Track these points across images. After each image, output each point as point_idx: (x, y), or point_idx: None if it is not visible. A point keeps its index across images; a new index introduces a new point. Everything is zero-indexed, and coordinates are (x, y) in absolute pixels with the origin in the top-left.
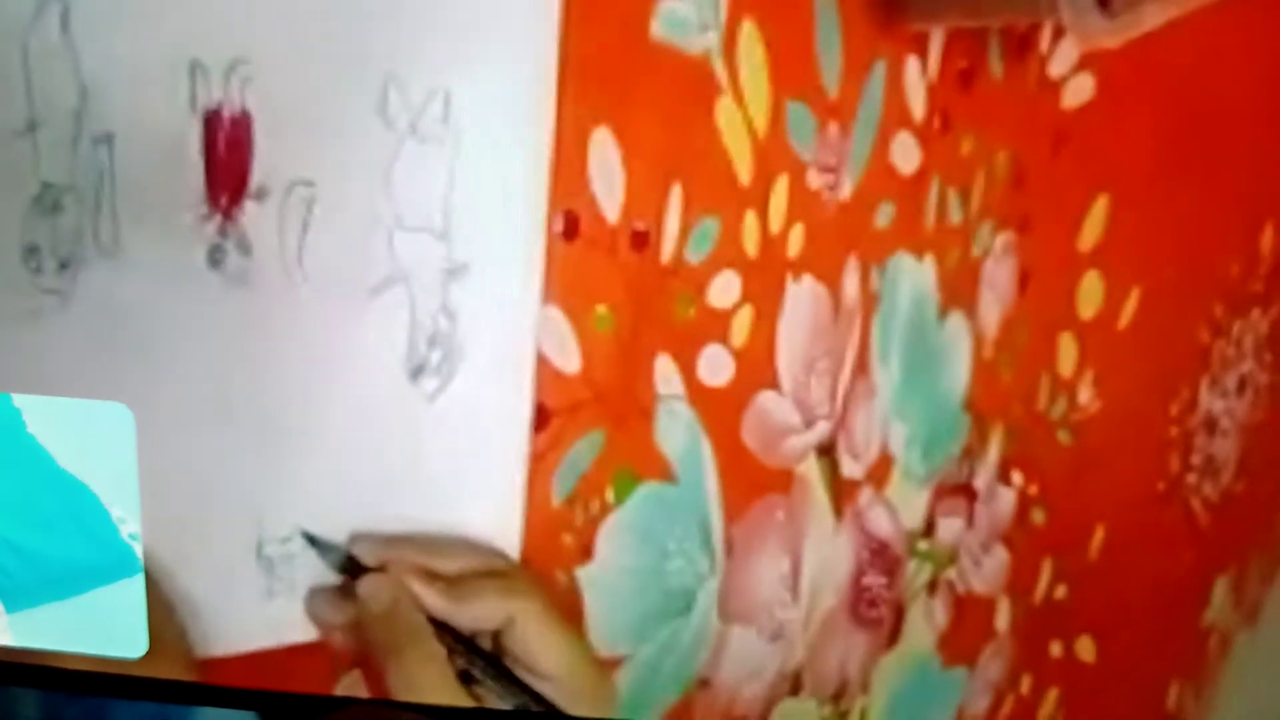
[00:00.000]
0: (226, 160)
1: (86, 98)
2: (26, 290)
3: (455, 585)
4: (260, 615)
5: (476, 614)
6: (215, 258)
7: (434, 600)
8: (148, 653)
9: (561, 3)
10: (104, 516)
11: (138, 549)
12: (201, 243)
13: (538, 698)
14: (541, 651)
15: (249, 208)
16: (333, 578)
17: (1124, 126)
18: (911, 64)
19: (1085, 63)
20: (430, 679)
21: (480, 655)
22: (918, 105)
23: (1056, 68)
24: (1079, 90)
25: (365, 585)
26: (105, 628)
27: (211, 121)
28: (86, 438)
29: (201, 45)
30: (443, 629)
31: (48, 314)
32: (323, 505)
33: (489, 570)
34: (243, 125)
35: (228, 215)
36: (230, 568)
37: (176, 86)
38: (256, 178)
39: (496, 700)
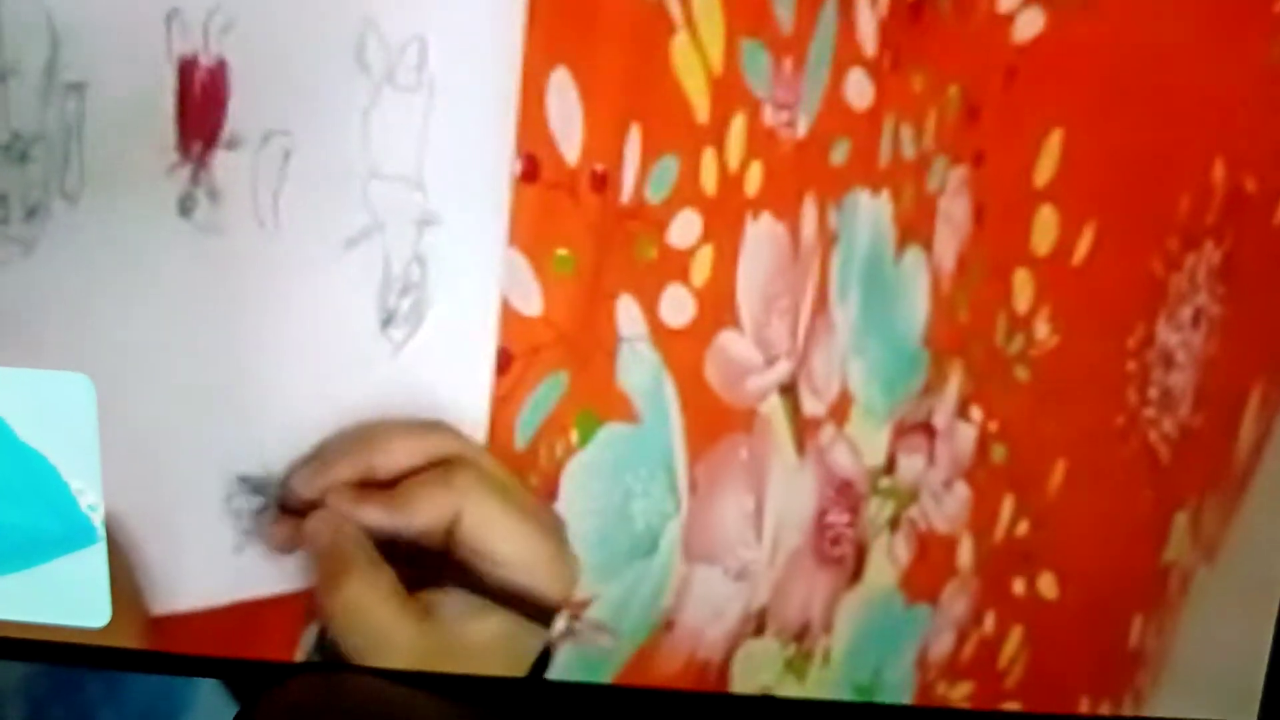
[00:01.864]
0: (201, 108)
1: (59, 46)
2: None
3: (395, 495)
4: (228, 568)
5: (422, 518)
6: (186, 206)
7: (376, 516)
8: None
9: None
10: (62, 487)
11: (97, 519)
12: (172, 191)
13: (503, 583)
14: (493, 538)
15: (222, 156)
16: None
17: (1075, 60)
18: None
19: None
20: (370, 607)
21: (434, 557)
22: (869, 41)
23: (1006, 2)
24: (1029, 24)
25: (307, 526)
26: (65, 598)
27: (186, 69)
28: (45, 408)
29: None
30: (391, 539)
31: (14, 262)
32: (291, 456)
33: (427, 466)
34: (218, 73)
35: (200, 164)
36: (199, 520)
37: (152, 34)
38: (231, 126)
39: (456, 601)
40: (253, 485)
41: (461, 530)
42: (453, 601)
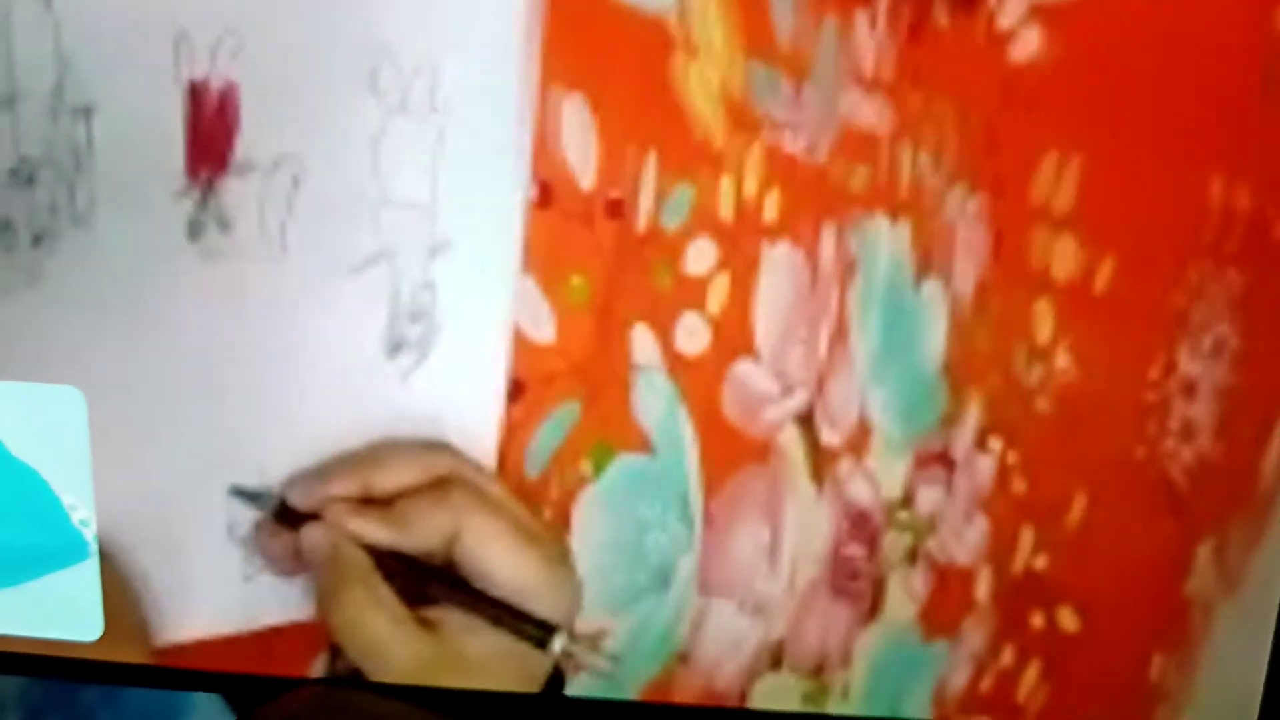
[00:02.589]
0: (209, 134)
1: (67, 69)
2: None
3: (393, 511)
4: (235, 598)
5: (419, 537)
6: (194, 232)
7: (374, 532)
8: (102, 636)
9: None
10: (55, 502)
11: (88, 535)
12: (180, 217)
13: (498, 604)
14: (491, 558)
15: (231, 183)
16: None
17: (1094, 86)
18: (861, 21)
19: (1036, 14)
20: (370, 619)
21: (431, 574)
22: (886, 64)
23: (1015, 25)
24: (1047, 50)
25: (304, 538)
26: (58, 613)
27: (196, 95)
28: (37, 423)
29: (189, 17)
30: (389, 556)
31: (20, 290)
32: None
33: (426, 484)
34: (228, 99)
35: (208, 189)
36: (205, 549)
37: (161, 59)
38: (240, 152)
39: (458, 618)
40: (248, 495)
41: (460, 549)
42: (452, 619)
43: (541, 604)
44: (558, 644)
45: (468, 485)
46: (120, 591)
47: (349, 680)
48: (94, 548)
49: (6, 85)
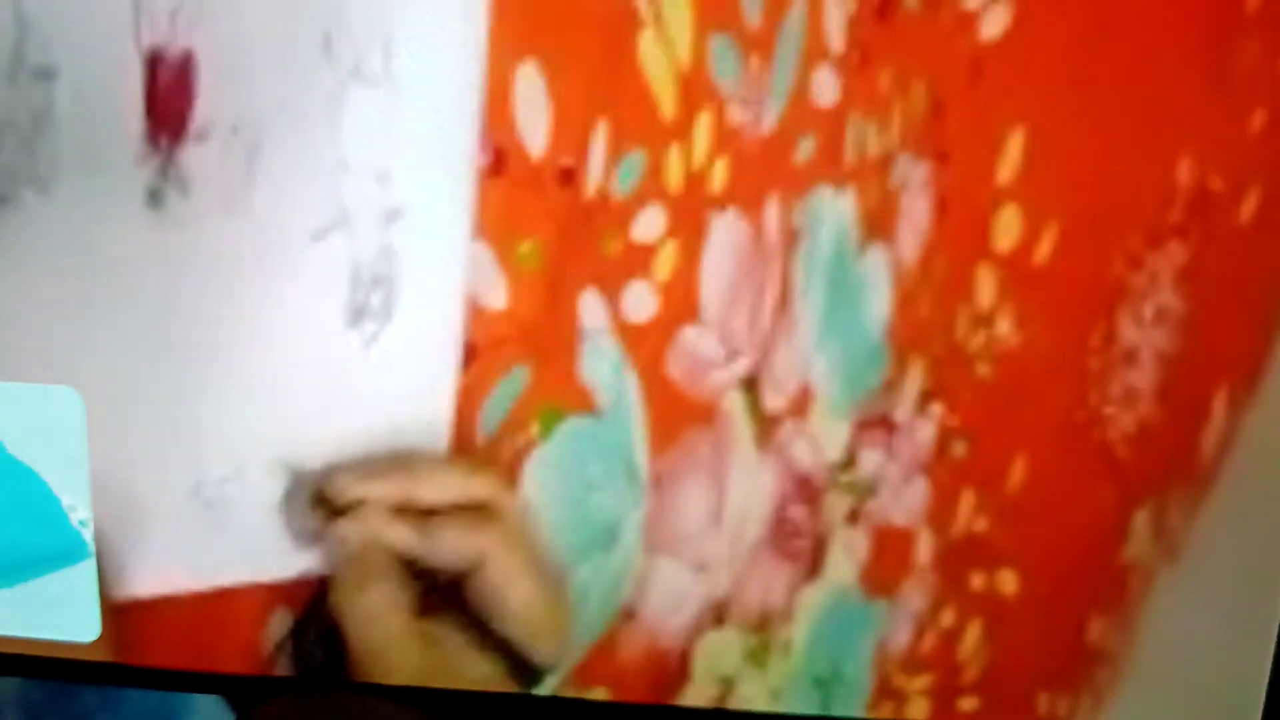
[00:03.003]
0: (169, 100)
1: (26, 32)
2: None
3: (428, 524)
4: (196, 558)
5: (448, 555)
6: (154, 198)
7: (404, 538)
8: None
9: None
10: (54, 502)
11: (87, 535)
12: (140, 183)
13: (501, 641)
14: (510, 592)
15: (190, 149)
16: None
17: (1041, 57)
18: None
19: None
20: (384, 622)
21: (446, 591)
22: (837, 38)
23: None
24: (996, 21)
25: (339, 529)
26: (56, 613)
27: (155, 60)
28: (34, 423)
29: None
30: (409, 563)
31: None
32: (260, 448)
33: (465, 502)
34: (187, 65)
35: (168, 156)
36: (167, 510)
37: (120, 23)
38: (199, 119)
39: (457, 638)
40: (293, 472)
41: (482, 576)
42: (453, 638)
43: (541, 645)
44: (547, 686)
45: (504, 518)
46: None
47: (339, 683)
48: (93, 548)
49: None
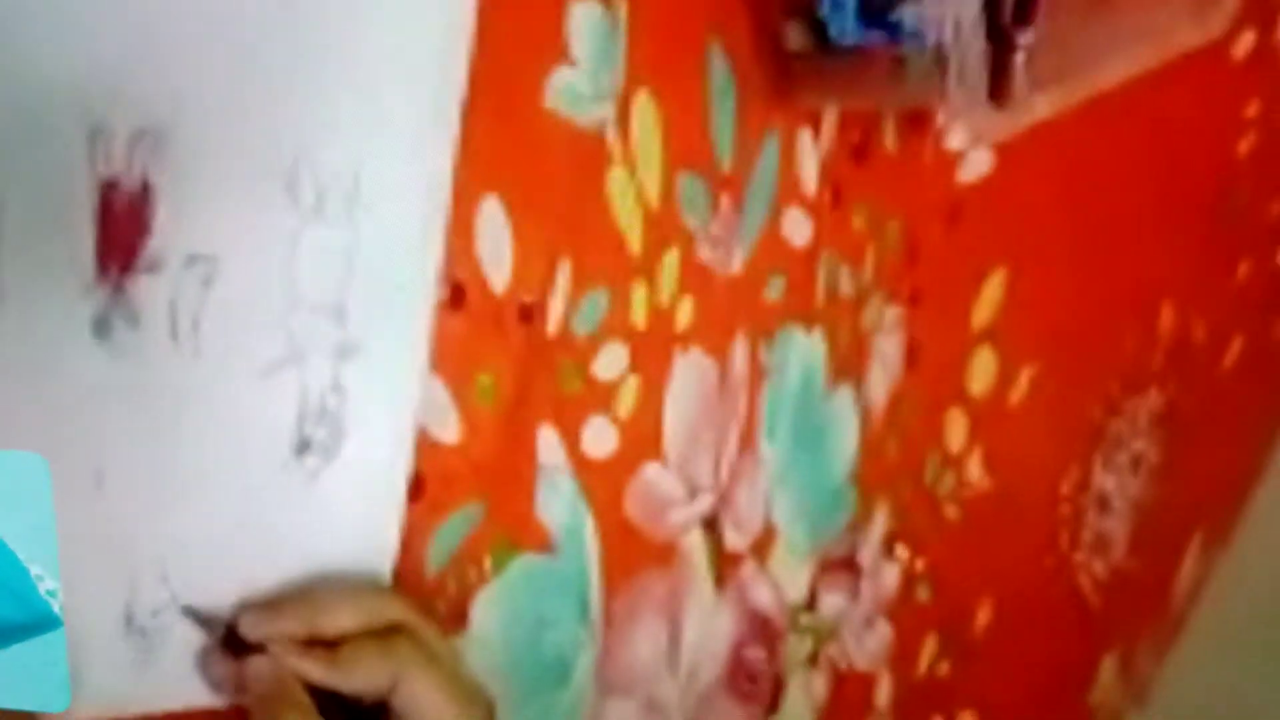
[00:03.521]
0: (121, 230)
1: None
2: None
3: (337, 654)
4: (130, 685)
5: (360, 681)
6: (101, 328)
7: (317, 673)
8: None
9: (466, 82)
10: (22, 572)
11: (55, 605)
12: (87, 312)
13: None
14: (429, 708)
15: (142, 280)
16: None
17: (1022, 201)
18: (804, 137)
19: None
20: None
21: (363, 717)
22: (810, 179)
23: (954, 141)
24: (976, 164)
25: (249, 669)
26: (25, 684)
27: (108, 190)
28: (1, 493)
29: (106, 109)
30: (329, 696)
31: None
32: (198, 578)
33: (372, 627)
34: (141, 196)
35: (118, 286)
36: (99, 636)
37: (74, 151)
38: (152, 249)
39: None
40: (198, 618)
41: (397, 698)
42: None
43: None
44: None
45: (413, 636)
46: None
47: None
48: (62, 617)
49: None
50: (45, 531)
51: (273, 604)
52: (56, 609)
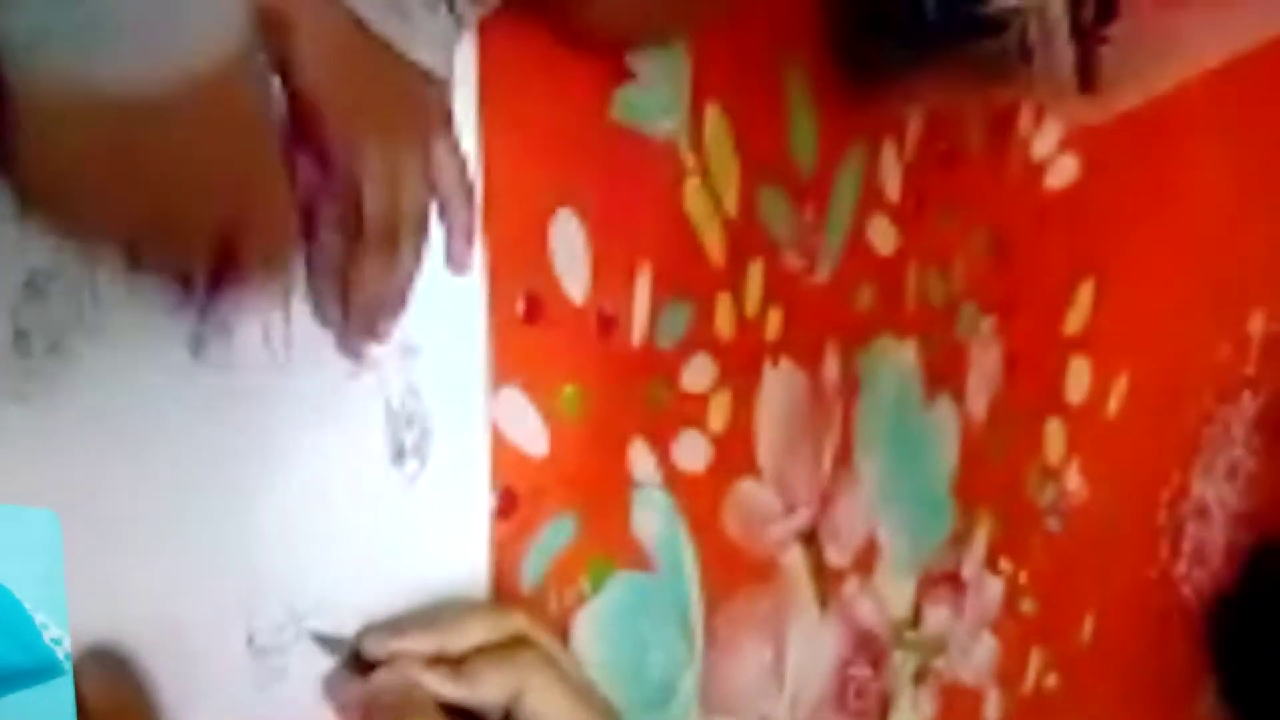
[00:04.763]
0: None
1: None
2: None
3: (461, 668)
4: (252, 706)
5: (485, 694)
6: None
7: (442, 687)
8: None
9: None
10: (27, 621)
11: (60, 653)
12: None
13: None
14: (552, 710)
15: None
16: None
17: (1108, 208)
18: (888, 145)
19: (1068, 143)
20: None
21: None
22: (894, 186)
23: (1039, 148)
24: (1062, 170)
25: (375, 680)
26: None
27: None
28: (11, 543)
29: None
30: (452, 712)
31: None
32: (315, 592)
33: (496, 643)
34: None
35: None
36: (222, 659)
37: None
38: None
39: None
40: (325, 642)
41: (521, 709)
42: None
43: None
44: None
45: (536, 647)
46: (135, 693)
47: None
48: (68, 666)
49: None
50: (54, 581)
51: (395, 624)
52: (61, 656)
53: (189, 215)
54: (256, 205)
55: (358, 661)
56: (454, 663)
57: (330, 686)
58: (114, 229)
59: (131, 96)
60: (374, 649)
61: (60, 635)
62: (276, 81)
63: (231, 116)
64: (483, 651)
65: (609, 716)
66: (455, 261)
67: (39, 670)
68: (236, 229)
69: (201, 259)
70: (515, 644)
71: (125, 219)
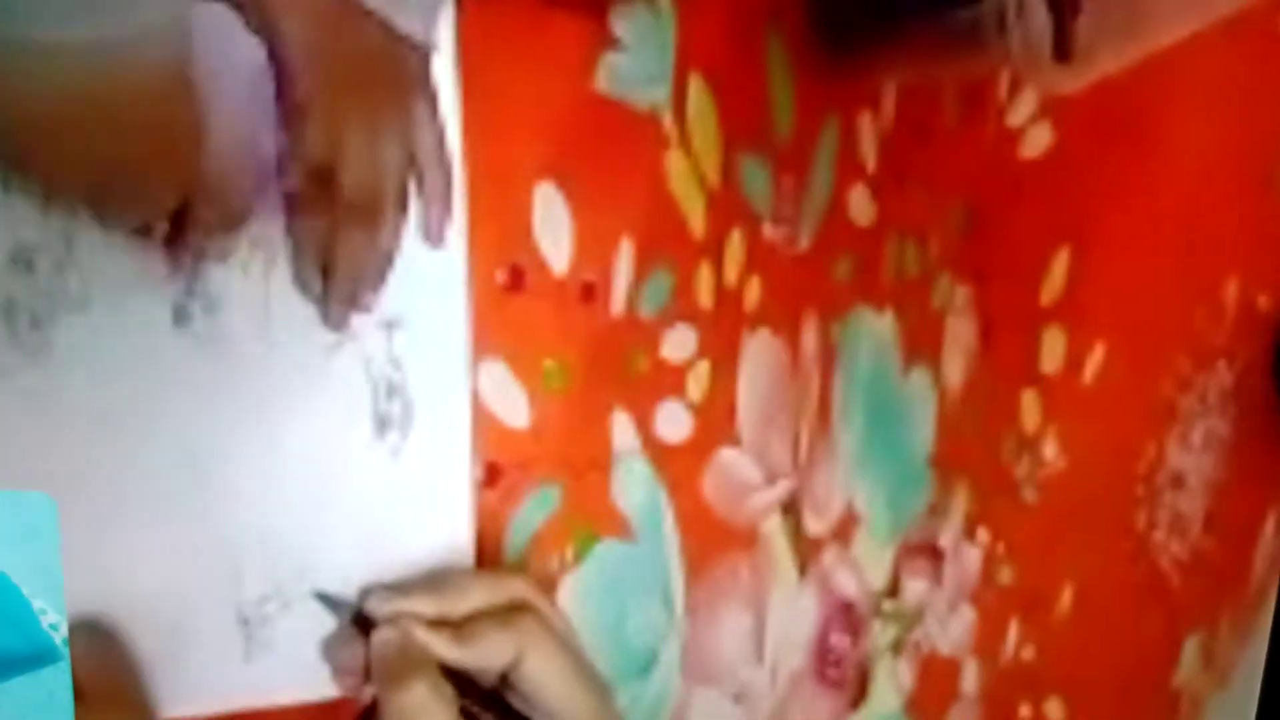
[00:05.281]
0: None
1: None
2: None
3: (462, 631)
4: (240, 676)
5: (484, 656)
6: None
7: (442, 648)
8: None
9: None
10: (25, 606)
11: (58, 639)
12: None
13: None
14: (549, 686)
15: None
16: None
17: (1083, 177)
18: (864, 115)
19: (1043, 112)
20: (433, 711)
21: (486, 696)
22: (870, 157)
23: (1014, 118)
24: (1037, 140)
25: (376, 639)
26: (29, 717)
27: None
28: (7, 528)
29: None
30: (449, 671)
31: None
32: (301, 564)
33: (498, 607)
34: None
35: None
36: (209, 630)
37: None
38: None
39: None
40: (328, 602)
41: (519, 673)
42: None
43: None
44: None
45: (537, 614)
46: (123, 667)
47: None
48: (65, 651)
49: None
50: (51, 567)
51: (403, 584)
52: (58, 642)
53: (145, 170)
54: (208, 160)
55: (358, 624)
56: (455, 625)
57: (329, 648)
58: (73, 180)
59: (78, 56)
60: (378, 608)
61: (57, 621)
62: (257, 43)
63: (178, 76)
64: (484, 615)
65: (601, 689)
66: (432, 232)
67: (37, 656)
68: (191, 181)
69: (160, 209)
70: (516, 609)
71: (82, 171)
